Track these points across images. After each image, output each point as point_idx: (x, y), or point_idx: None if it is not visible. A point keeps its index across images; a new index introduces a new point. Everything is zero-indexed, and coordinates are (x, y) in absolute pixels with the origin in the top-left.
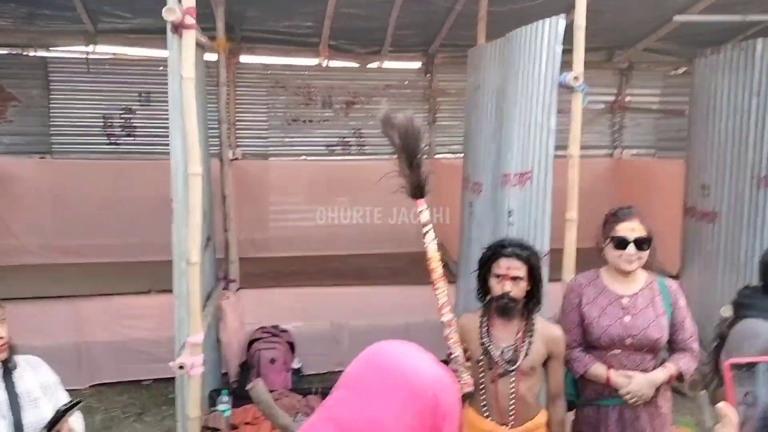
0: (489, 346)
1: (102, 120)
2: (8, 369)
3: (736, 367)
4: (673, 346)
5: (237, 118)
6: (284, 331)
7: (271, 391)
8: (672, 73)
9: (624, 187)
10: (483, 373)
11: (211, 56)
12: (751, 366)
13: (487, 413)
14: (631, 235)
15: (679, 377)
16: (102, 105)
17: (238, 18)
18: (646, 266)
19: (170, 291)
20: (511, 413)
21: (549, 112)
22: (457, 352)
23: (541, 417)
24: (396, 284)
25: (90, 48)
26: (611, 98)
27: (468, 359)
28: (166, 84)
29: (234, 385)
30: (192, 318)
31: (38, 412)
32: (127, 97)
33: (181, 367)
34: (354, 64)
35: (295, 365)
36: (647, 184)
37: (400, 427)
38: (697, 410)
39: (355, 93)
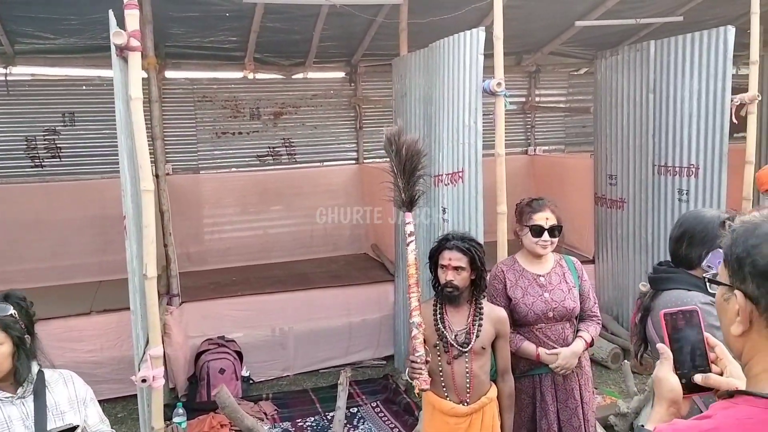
0: (443, 331)
1: (25, 143)
2: (38, 384)
3: (669, 315)
4: (581, 314)
5: (165, 133)
6: (230, 340)
7: None
8: (575, 73)
9: (539, 181)
10: (440, 356)
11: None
12: (684, 315)
13: (446, 393)
14: (546, 224)
15: (591, 342)
16: (24, 127)
17: (162, 34)
18: (556, 249)
19: (111, 310)
20: (467, 391)
21: (476, 116)
22: (421, 351)
23: (492, 392)
24: (334, 287)
25: (8, 70)
26: (522, 99)
27: (425, 343)
28: (91, 103)
29: (183, 398)
30: (152, 331)
31: (63, 425)
32: (51, 118)
33: (143, 380)
34: (279, 76)
35: (244, 373)
36: (560, 177)
37: None
38: (621, 379)
39: (283, 103)
